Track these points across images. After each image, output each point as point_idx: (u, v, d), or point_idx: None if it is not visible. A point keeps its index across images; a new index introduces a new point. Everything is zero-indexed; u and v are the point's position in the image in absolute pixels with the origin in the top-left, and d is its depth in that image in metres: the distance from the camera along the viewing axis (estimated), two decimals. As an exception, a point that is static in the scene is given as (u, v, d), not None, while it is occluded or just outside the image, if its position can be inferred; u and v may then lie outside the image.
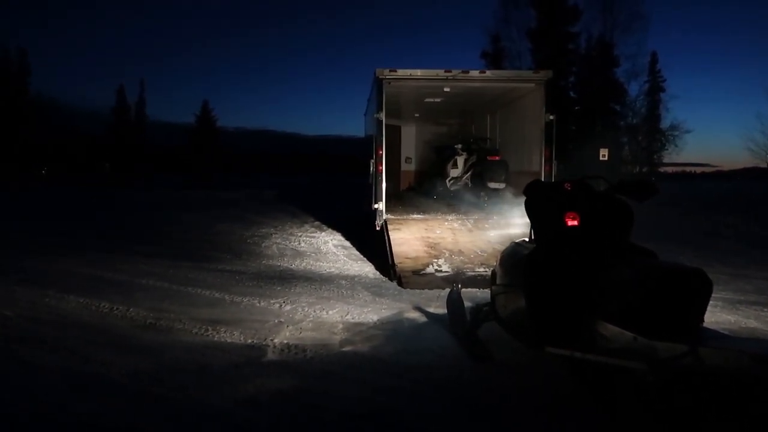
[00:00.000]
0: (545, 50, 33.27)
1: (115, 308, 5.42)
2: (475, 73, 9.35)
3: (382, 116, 8.86)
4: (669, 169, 39.65)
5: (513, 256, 3.96)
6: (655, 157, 37.74)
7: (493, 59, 35.18)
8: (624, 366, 2.73)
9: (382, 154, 8.90)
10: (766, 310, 5.69)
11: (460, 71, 9.18)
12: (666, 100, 37.06)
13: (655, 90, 37.99)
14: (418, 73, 9.05)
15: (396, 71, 8.91)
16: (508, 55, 35.80)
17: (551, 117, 9.02)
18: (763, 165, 38.62)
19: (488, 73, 9.53)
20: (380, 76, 8.89)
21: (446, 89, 10.12)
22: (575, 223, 3.66)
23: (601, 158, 17.41)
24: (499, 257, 4.25)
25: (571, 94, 34.12)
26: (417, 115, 15.90)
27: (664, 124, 36.73)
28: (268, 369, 3.91)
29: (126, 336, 4.64)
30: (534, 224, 3.83)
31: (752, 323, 5.22)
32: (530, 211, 3.82)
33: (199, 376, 3.74)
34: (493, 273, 4.31)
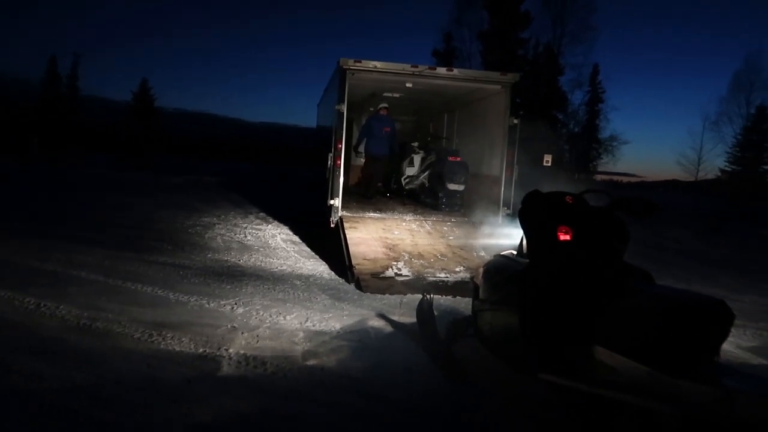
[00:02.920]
0: (495, 53, 33.60)
1: (42, 304, 4.79)
2: (442, 70, 9.07)
3: (344, 108, 8.44)
4: (598, 177, 40.99)
5: (501, 270, 3.67)
6: (590, 165, 38.97)
7: (444, 58, 35.31)
8: (641, 405, 2.48)
9: (341, 147, 8.48)
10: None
11: (427, 67, 8.88)
12: (606, 111, 38.25)
13: (595, 101, 39.14)
14: (384, 66, 8.67)
15: (360, 62, 8.51)
16: (459, 55, 36.09)
17: (515, 121, 8.88)
18: (690, 178, 40.69)
19: (456, 71, 9.24)
20: (344, 66, 8.47)
21: (408, 84, 9.79)
22: (567, 237, 3.41)
23: (545, 164, 17.55)
24: (482, 270, 3.96)
25: (517, 99, 34.64)
26: (371, 108, 15.54)
27: (604, 134, 37.95)
28: (225, 386, 3.47)
29: (56, 339, 4.07)
30: (527, 236, 3.56)
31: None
32: (524, 222, 3.54)
33: (147, 393, 3.26)
34: (475, 287, 4.01)
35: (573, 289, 3.10)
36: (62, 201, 13.01)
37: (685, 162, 36.93)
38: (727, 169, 37.50)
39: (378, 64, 8.60)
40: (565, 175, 33.93)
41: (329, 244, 8.35)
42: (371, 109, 11.77)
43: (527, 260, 3.52)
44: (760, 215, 26.32)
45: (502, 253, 3.96)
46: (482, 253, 7.54)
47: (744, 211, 27.01)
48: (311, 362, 3.97)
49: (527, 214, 3.54)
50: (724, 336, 2.59)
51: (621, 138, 38.70)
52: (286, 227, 11.05)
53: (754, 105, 34.60)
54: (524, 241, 3.69)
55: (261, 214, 12.99)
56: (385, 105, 10.96)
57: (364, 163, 11.55)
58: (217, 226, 10.54)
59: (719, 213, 21.94)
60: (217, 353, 3.99)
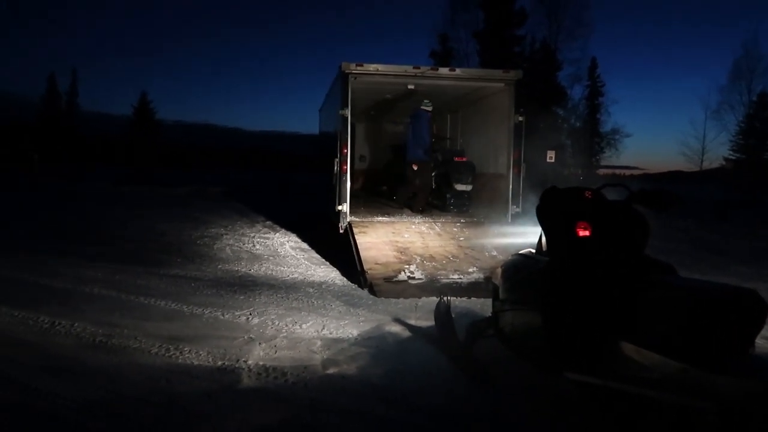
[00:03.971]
0: (492, 52, 33.59)
1: (57, 323, 4.75)
2: (444, 71, 9.04)
3: (348, 113, 8.40)
4: (601, 171, 40.88)
5: (521, 269, 3.61)
6: (593, 160, 38.88)
7: (442, 59, 35.31)
8: (677, 402, 2.42)
9: (347, 152, 8.43)
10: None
11: (429, 68, 8.85)
12: (607, 104, 38.19)
13: (594, 95, 39.08)
14: (386, 69, 8.63)
15: (362, 65, 8.48)
16: (456, 55, 36.09)
17: (521, 118, 8.81)
18: (695, 168, 40.58)
19: (458, 71, 9.21)
20: (346, 71, 8.43)
21: (410, 86, 9.75)
22: (587, 233, 3.35)
23: (548, 160, 17.40)
24: (500, 270, 3.90)
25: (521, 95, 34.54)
26: (372, 112, 15.50)
27: (605, 128, 37.88)
28: (247, 399, 3.42)
29: (72, 358, 4.02)
30: (546, 234, 3.50)
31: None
32: (542, 220, 3.49)
33: (167, 410, 3.21)
34: (494, 287, 3.96)
35: (595, 286, 3.04)
36: (65, 216, 12.99)
37: (689, 152, 36.90)
38: (731, 157, 37.41)
39: (380, 67, 8.56)
40: (569, 171, 33.92)
41: (338, 250, 8.31)
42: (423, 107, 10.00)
43: (547, 258, 3.47)
44: (766, 203, 26.18)
45: (520, 252, 3.90)
46: (494, 253, 7.49)
47: (750, 199, 26.88)
48: (331, 370, 3.92)
49: (545, 212, 3.49)
50: (759, 327, 2.53)
51: (623, 131, 38.68)
52: (294, 235, 11.02)
53: (755, 92, 34.54)
54: (543, 239, 3.64)
55: (267, 222, 12.97)
56: (429, 103, 9.90)
57: (413, 171, 9.85)
58: (224, 236, 10.51)
59: (726, 202, 21.78)
60: (236, 365, 3.94)
